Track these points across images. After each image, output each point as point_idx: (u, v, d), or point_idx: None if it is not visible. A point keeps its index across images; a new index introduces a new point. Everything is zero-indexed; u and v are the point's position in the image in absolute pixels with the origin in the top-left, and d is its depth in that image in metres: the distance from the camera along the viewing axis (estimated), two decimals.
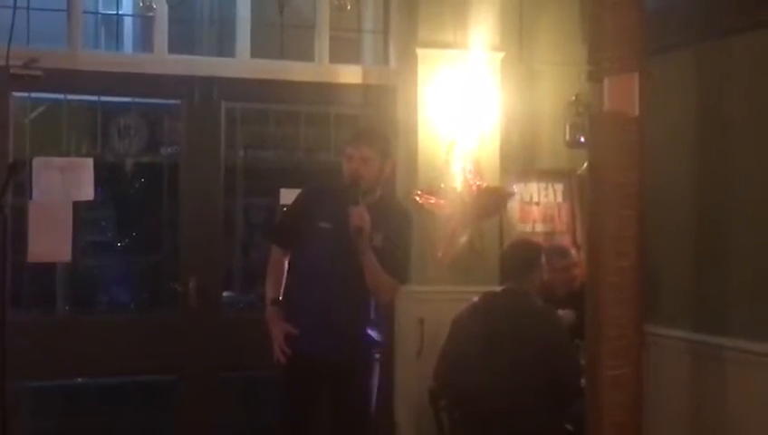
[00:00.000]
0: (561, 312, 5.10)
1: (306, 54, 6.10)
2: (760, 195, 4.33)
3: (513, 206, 6.18)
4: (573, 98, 5.93)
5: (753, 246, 4.38)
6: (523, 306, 4.83)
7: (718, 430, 4.50)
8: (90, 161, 5.63)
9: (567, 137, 6.02)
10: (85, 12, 5.89)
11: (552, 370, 4.63)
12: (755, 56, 4.34)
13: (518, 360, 4.63)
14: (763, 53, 4.26)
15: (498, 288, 5.01)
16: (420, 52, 5.90)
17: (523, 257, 5.01)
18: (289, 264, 4.72)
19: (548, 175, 6.31)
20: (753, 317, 4.36)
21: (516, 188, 6.19)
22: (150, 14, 5.77)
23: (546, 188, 6.31)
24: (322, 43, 6.10)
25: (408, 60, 5.99)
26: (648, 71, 4.15)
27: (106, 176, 5.92)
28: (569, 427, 4.76)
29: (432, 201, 5.73)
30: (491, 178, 5.88)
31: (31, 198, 5.48)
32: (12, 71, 5.44)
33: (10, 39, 5.35)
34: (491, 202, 5.86)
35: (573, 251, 5.83)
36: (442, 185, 5.77)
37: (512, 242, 5.55)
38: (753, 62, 4.37)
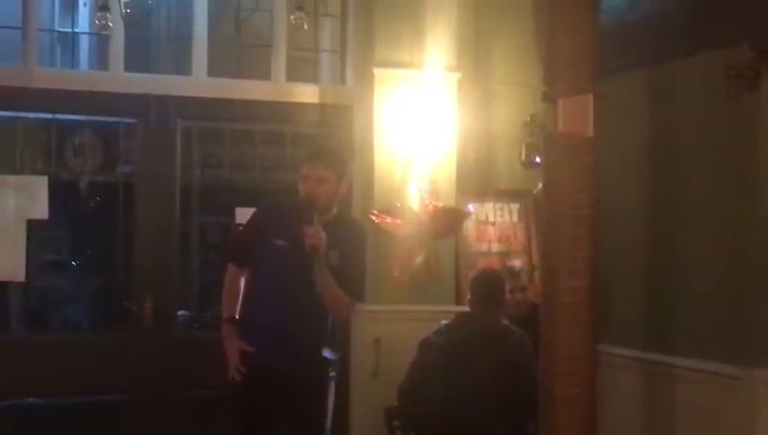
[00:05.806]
0: None
1: (263, 73, 6.09)
2: (710, 216, 4.38)
3: (469, 226, 6.20)
4: (528, 119, 5.94)
5: (703, 266, 4.43)
6: (493, 328, 4.92)
7: None
8: (44, 179, 5.60)
9: (523, 157, 6.03)
10: (40, 29, 5.86)
11: (513, 390, 4.70)
12: (706, 77, 4.40)
13: (481, 380, 4.72)
14: (714, 73, 4.32)
15: (463, 308, 5.08)
16: (377, 71, 5.91)
17: (494, 284, 5.13)
18: (245, 282, 4.71)
19: (504, 195, 6.33)
20: (702, 337, 4.41)
21: (472, 207, 6.19)
22: (106, 32, 5.70)
23: (502, 209, 6.32)
24: (279, 62, 6.09)
25: (365, 79, 6.00)
26: (602, 92, 4.19)
27: (61, 194, 5.86)
28: None
29: (388, 221, 5.73)
30: (447, 198, 5.89)
31: None
32: None
33: None
34: (447, 222, 5.87)
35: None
36: (398, 204, 5.78)
37: (482, 269, 5.53)
38: (703, 83, 4.43)
